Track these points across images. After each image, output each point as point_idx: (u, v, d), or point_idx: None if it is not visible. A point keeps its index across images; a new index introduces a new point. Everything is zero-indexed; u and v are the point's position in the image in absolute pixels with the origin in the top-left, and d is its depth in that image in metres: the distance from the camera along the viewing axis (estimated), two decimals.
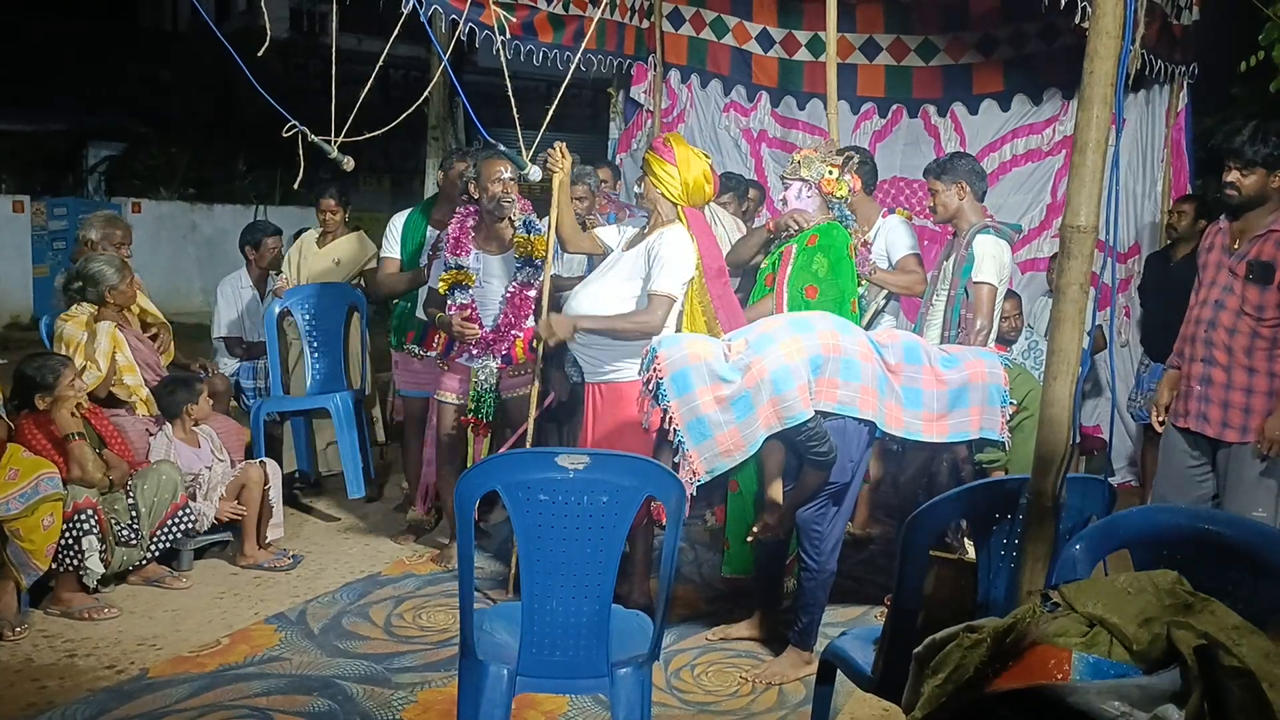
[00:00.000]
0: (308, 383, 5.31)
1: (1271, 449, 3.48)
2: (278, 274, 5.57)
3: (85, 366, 4.22)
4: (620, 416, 3.79)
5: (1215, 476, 3.69)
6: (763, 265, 4.17)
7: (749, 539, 3.58)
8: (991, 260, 4.05)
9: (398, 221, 4.98)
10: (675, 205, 3.82)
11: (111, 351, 4.35)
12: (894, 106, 6.33)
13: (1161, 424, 3.85)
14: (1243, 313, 3.56)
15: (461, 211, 4.38)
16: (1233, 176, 3.55)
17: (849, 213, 4.09)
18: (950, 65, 6.16)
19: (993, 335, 4.17)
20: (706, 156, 3.90)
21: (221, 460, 4.55)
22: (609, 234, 4.11)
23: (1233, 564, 1.96)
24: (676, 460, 3.25)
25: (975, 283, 4.06)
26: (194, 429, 4.54)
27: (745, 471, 3.71)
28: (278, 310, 5.24)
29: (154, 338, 4.74)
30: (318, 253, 5.54)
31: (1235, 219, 3.66)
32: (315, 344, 5.33)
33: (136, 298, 4.63)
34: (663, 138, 3.93)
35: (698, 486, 3.25)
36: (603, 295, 3.85)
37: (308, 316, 5.30)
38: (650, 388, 3.29)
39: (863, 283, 4.30)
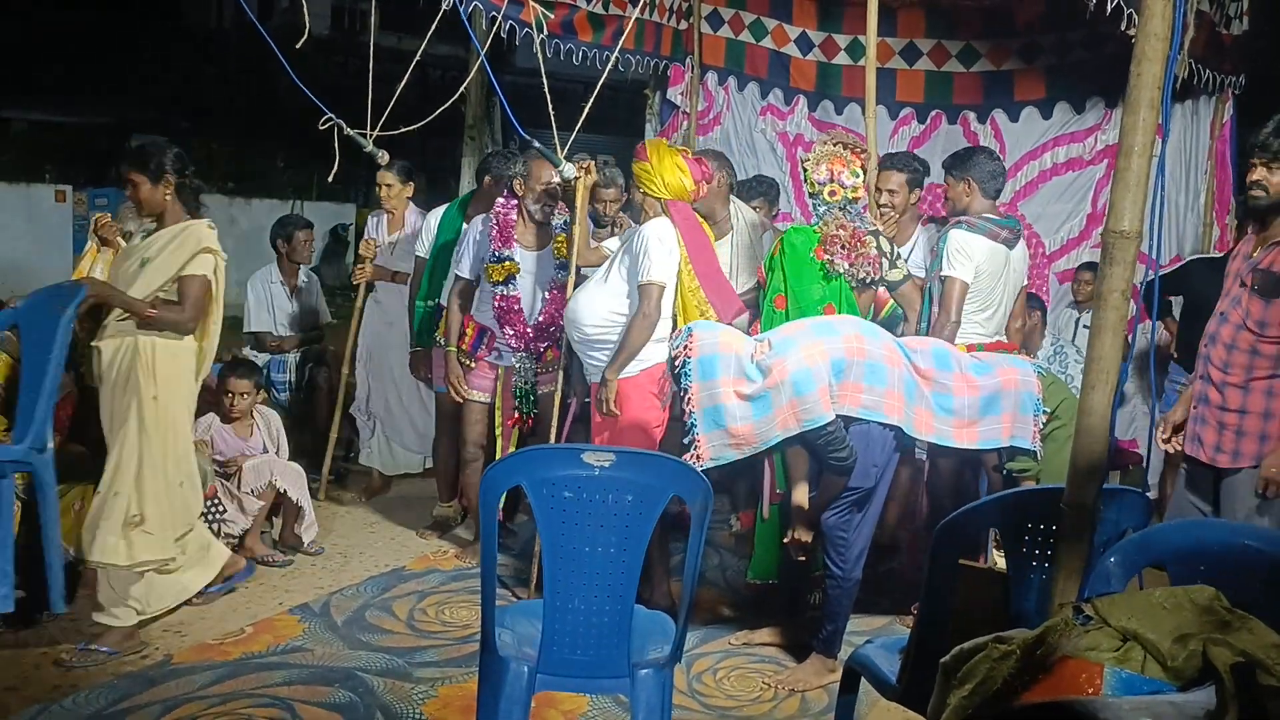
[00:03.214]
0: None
1: (1268, 489, 3.11)
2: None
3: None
4: (624, 410, 3.81)
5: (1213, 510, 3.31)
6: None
7: (799, 559, 3.56)
8: (959, 254, 3.96)
9: (433, 220, 5.02)
10: (660, 201, 3.86)
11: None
12: (933, 112, 6.25)
13: (1166, 442, 3.47)
14: (1244, 327, 3.22)
15: (503, 203, 4.40)
16: (1259, 174, 3.16)
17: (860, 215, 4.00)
18: (992, 71, 6.08)
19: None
20: (681, 150, 3.96)
21: (268, 450, 4.54)
22: (615, 245, 4.16)
23: (1273, 581, 1.91)
24: (686, 441, 3.27)
25: (941, 276, 4.00)
26: (248, 415, 4.54)
27: (780, 477, 3.69)
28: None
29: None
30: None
31: (1264, 227, 3.30)
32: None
33: None
34: (641, 145, 3.99)
35: (728, 493, 3.25)
36: (595, 295, 3.92)
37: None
38: (677, 365, 3.29)
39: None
